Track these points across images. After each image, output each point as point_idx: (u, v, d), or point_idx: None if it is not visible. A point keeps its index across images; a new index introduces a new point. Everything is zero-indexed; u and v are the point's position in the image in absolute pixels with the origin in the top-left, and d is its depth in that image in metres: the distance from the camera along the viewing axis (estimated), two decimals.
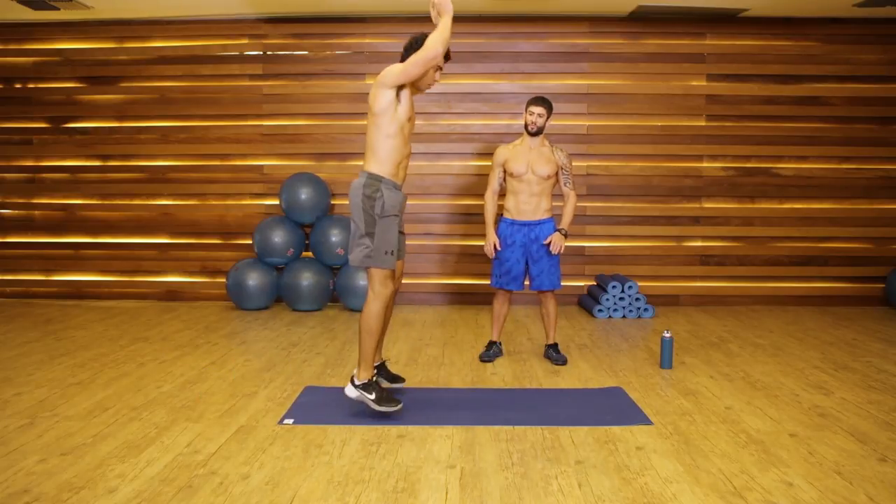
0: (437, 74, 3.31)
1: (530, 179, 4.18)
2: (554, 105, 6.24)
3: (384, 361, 3.65)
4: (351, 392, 3.24)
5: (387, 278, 3.22)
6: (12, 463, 2.71)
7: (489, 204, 4.30)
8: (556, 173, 4.22)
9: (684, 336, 5.05)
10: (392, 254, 3.20)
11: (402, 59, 3.24)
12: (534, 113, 4.16)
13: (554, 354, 4.31)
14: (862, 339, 4.98)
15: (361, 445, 2.92)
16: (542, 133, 4.22)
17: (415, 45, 3.24)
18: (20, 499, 2.41)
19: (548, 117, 4.20)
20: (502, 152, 4.28)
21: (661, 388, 3.76)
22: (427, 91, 3.44)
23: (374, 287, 3.22)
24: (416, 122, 6.28)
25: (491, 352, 4.37)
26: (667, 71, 6.24)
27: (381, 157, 3.21)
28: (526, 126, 4.20)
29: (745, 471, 2.67)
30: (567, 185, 4.24)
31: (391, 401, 3.22)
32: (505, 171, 4.26)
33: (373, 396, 3.20)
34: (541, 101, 4.20)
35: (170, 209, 6.50)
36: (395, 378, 3.64)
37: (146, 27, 6.35)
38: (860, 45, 6.21)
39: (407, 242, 6.41)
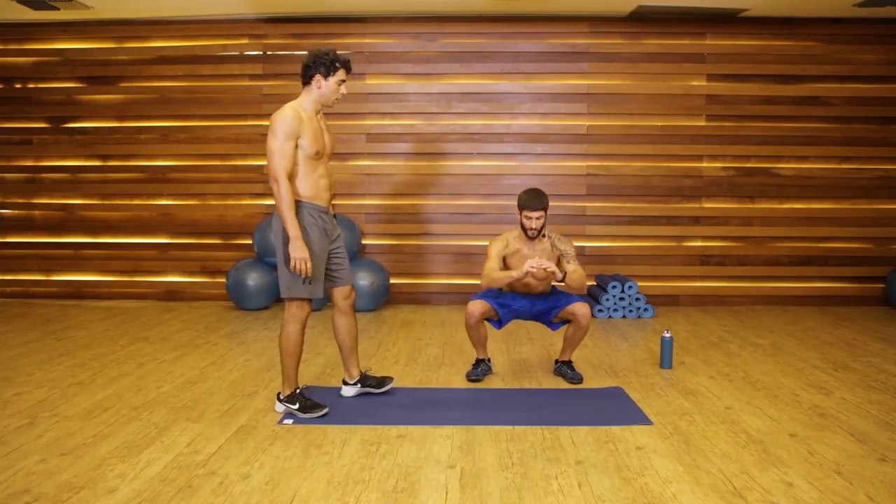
0: (343, 87, 3.23)
1: (531, 277, 3.72)
2: (554, 105, 6.35)
3: (365, 372, 3.65)
4: (278, 406, 3.30)
5: (304, 302, 3.23)
6: (12, 463, 2.71)
7: (494, 274, 3.70)
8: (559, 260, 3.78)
9: (684, 336, 5.05)
10: (310, 283, 3.17)
11: (303, 76, 3.17)
12: (531, 217, 3.67)
13: (569, 372, 3.92)
14: (862, 339, 4.98)
15: (361, 445, 2.92)
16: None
17: (310, 66, 3.14)
18: (20, 499, 2.41)
19: (546, 215, 3.73)
20: (500, 247, 3.79)
21: (661, 388, 3.76)
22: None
23: (291, 309, 3.22)
24: (417, 121, 6.36)
25: (479, 370, 3.98)
26: (667, 71, 6.23)
27: (298, 177, 3.12)
28: (524, 230, 3.73)
29: (745, 471, 2.67)
30: (570, 262, 3.72)
31: (315, 407, 3.26)
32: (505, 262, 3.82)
33: (296, 406, 3.25)
34: (537, 200, 3.68)
35: (170, 209, 6.50)
36: (383, 381, 3.63)
37: (146, 27, 6.35)
38: (860, 45, 6.21)
39: (407, 243, 6.51)
